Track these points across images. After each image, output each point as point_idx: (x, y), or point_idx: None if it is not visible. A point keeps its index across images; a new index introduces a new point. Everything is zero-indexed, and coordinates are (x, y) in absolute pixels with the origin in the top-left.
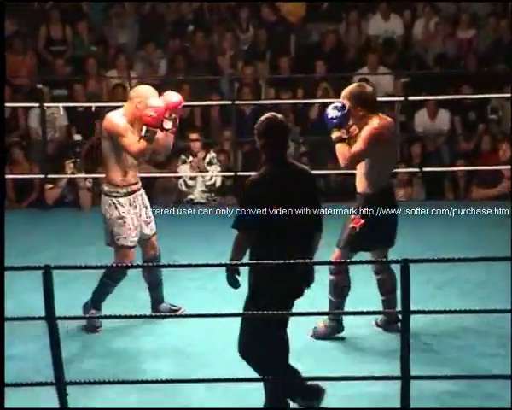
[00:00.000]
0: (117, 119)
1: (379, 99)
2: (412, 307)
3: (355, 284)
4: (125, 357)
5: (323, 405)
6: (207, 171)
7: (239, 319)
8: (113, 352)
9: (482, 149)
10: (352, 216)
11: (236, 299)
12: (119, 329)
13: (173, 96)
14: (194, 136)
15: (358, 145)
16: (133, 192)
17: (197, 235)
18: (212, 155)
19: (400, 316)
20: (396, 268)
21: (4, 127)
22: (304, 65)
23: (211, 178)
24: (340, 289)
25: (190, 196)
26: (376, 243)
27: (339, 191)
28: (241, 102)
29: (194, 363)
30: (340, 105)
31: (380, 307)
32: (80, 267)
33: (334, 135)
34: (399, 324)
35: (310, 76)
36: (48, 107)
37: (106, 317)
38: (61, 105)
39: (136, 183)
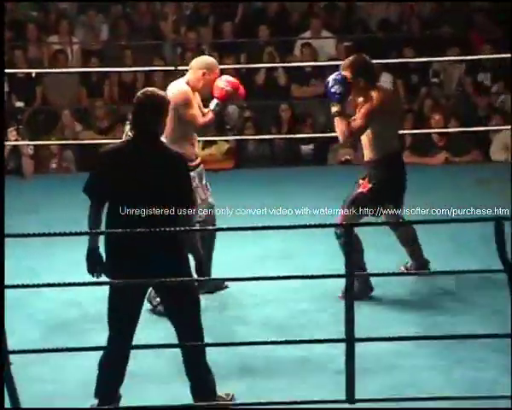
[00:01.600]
0: (184, 89)
1: (322, 63)
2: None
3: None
4: (71, 326)
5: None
6: None
7: None
8: (59, 320)
9: (424, 112)
10: (360, 181)
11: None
12: (65, 296)
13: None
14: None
15: (358, 121)
16: (199, 165)
17: None
18: None
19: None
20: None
21: (4, 124)
22: (247, 30)
23: None
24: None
25: None
26: (383, 207)
27: (282, 156)
28: (184, 68)
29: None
30: (340, 78)
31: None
32: (25, 235)
33: (335, 109)
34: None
35: (253, 40)
36: None
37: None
38: None
39: (198, 156)
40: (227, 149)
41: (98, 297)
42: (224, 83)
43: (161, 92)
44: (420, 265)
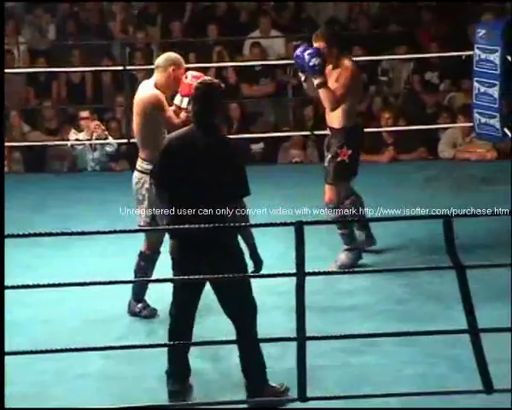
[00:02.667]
0: (154, 91)
1: (271, 62)
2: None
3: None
4: (21, 328)
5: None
6: (105, 137)
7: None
8: (8, 323)
9: (373, 110)
10: (338, 151)
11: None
12: (14, 298)
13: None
14: (84, 114)
15: (342, 87)
16: None
17: (92, 201)
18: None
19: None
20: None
21: (3, 123)
22: (196, 29)
23: (105, 146)
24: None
25: (84, 165)
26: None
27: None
28: (132, 67)
29: (92, 331)
30: (315, 50)
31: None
32: None
33: (318, 81)
34: None
35: (202, 40)
36: None
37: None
38: None
39: None
40: None
41: (47, 298)
42: (191, 79)
43: (217, 81)
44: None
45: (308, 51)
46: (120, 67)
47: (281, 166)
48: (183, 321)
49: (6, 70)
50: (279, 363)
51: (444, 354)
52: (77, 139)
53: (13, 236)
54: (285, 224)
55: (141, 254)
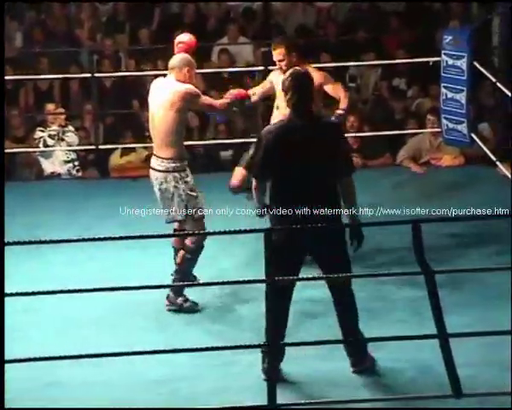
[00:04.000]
0: (186, 85)
1: (239, 69)
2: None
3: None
4: None
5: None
6: (65, 125)
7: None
8: None
9: None
10: None
11: (104, 272)
12: None
13: None
14: (51, 106)
15: (334, 83)
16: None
17: (60, 209)
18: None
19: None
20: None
21: (3, 124)
22: (164, 36)
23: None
24: None
25: (51, 170)
26: None
27: (202, 163)
28: (101, 75)
29: (66, 339)
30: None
31: None
32: None
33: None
34: None
35: (170, 47)
36: None
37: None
38: None
39: None
40: (146, 156)
41: (19, 307)
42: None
43: (303, 70)
44: None
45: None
46: (88, 75)
47: None
48: (280, 302)
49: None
50: (248, 371)
51: (412, 358)
52: (43, 137)
53: None
54: (258, 230)
55: (186, 248)
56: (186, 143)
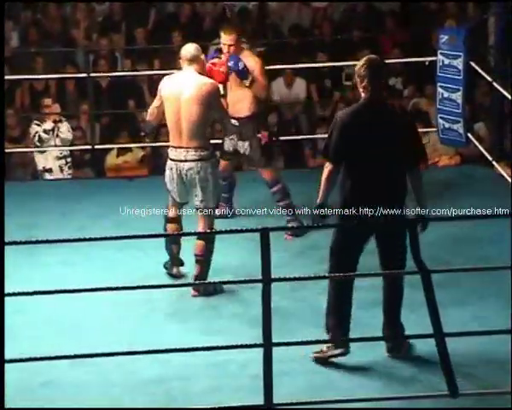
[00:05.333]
0: (211, 80)
1: None
2: (273, 275)
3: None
4: None
5: None
6: (59, 120)
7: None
8: None
9: None
10: (258, 136)
11: (100, 272)
12: None
13: None
14: (47, 100)
15: (262, 78)
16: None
17: (56, 210)
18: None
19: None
20: (256, 237)
21: (3, 124)
22: (160, 35)
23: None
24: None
25: (44, 165)
26: None
27: None
28: (96, 75)
29: (57, 339)
30: (236, 56)
31: None
32: None
33: (248, 81)
34: None
35: (166, 46)
36: None
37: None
38: None
39: None
40: (142, 156)
41: (11, 307)
42: (219, 66)
43: (376, 58)
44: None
45: (233, 61)
46: (84, 75)
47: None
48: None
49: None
50: (244, 370)
51: (409, 357)
52: (38, 132)
53: None
54: (250, 230)
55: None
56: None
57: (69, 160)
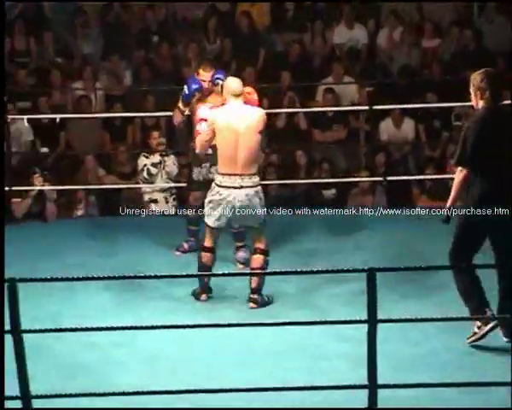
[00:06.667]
0: (259, 109)
1: (344, 108)
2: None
3: None
4: (92, 369)
5: None
6: (166, 154)
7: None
8: (80, 364)
9: (447, 156)
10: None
11: (205, 307)
12: (87, 339)
13: None
14: (155, 134)
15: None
16: None
17: (162, 246)
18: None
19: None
20: (362, 277)
21: (4, 124)
22: (269, 75)
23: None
24: None
25: (150, 196)
26: None
27: (303, 200)
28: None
29: (164, 373)
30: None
31: None
32: (46, 280)
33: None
34: None
35: (275, 85)
36: (12, 119)
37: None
38: (25, 117)
39: None
40: None
41: (118, 341)
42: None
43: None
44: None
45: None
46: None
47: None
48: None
49: (84, 115)
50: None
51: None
52: (147, 165)
53: (82, 279)
54: (357, 270)
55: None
56: (293, 181)
57: (174, 191)
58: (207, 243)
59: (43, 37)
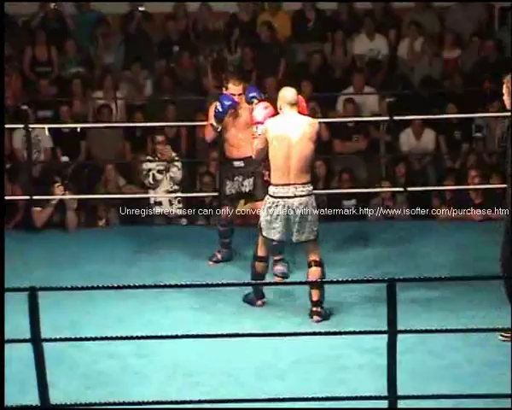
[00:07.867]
0: (312, 119)
1: (364, 119)
2: (399, 327)
3: None
4: (112, 378)
5: None
6: (172, 160)
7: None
8: (100, 373)
9: (468, 167)
10: (262, 172)
11: (226, 317)
12: (106, 349)
13: None
14: (160, 138)
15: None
16: None
17: (184, 254)
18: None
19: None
20: (382, 288)
21: (3, 122)
22: (290, 85)
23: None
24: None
25: (155, 199)
26: None
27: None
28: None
29: (184, 384)
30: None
31: None
32: (66, 289)
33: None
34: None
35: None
36: (33, 128)
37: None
38: (46, 126)
39: None
40: None
41: (139, 350)
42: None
43: None
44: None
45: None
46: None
47: (371, 222)
48: None
49: (104, 124)
50: None
51: None
52: (152, 171)
53: (103, 287)
54: (377, 280)
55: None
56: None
57: (179, 194)
58: (261, 252)
59: (63, 46)
